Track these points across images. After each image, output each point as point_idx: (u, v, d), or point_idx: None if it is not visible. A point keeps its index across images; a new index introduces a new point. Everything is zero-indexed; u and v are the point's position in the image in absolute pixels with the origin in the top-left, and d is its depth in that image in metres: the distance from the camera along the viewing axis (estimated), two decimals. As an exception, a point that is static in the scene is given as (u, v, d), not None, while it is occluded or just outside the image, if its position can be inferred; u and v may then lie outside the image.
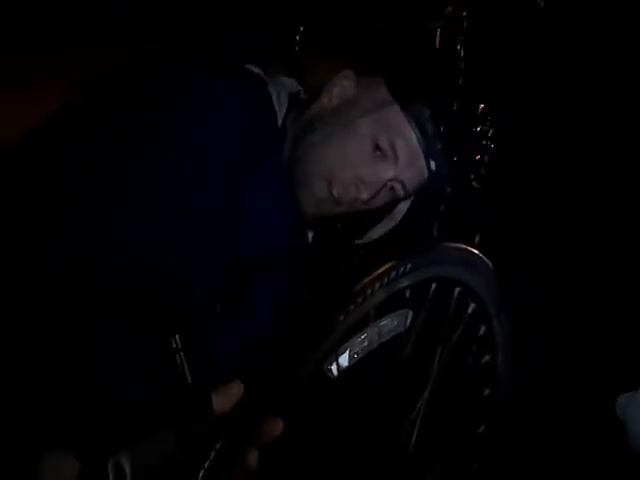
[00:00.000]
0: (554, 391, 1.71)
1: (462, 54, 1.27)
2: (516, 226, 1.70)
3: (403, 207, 1.17)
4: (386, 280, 0.82)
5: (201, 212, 0.96)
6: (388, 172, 1.08)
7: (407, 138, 1.08)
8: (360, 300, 0.79)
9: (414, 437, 1.07)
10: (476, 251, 1.00)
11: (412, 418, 1.06)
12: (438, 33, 1.46)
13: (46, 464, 0.64)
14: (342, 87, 1.14)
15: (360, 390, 0.92)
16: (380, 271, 0.81)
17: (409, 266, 0.85)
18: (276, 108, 1.13)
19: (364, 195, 1.07)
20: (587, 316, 1.73)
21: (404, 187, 1.10)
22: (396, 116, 1.09)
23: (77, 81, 1.05)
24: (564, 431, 1.71)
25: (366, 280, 0.80)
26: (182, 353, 0.72)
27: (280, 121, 1.13)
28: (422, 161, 1.08)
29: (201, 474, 0.66)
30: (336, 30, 1.70)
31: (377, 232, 1.17)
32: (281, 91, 1.16)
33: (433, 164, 1.08)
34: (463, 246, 0.97)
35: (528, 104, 1.73)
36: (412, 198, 1.16)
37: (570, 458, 1.67)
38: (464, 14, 1.40)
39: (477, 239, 1.30)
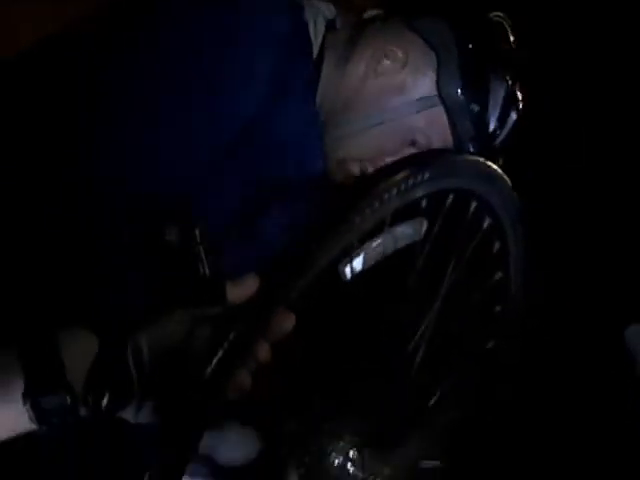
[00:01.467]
0: (562, 322, 1.72)
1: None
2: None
3: None
4: (404, 187, 0.82)
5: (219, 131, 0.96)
6: None
7: (445, 137, 1.10)
8: (377, 204, 0.79)
9: (422, 348, 1.09)
10: (496, 167, 1.00)
11: (421, 328, 1.08)
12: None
13: (66, 341, 0.67)
14: (389, 65, 1.11)
15: (371, 296, 0.93)
16: (398, 177, 0.81)
17: (427, 175, 0.85)
18: (312, 37, 1.11)
19: None
20: (597, 247, 1.72)
21: None
22: (439, 117, 1.10)
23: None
24: (572, 362, 1.73)
25: (383, 185, 0.80)
26: (202, 246, 0.74)
27: (316, 51, 1.11)
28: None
29: (213, 363, 0.67)
30: None
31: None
32: (318, 18, 1.13)
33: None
34: (483, 160, 0.97)
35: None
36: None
37: (577, 389, 1.69)
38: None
39: (500, 162, 1.30)
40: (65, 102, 0.91)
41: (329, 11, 1.17)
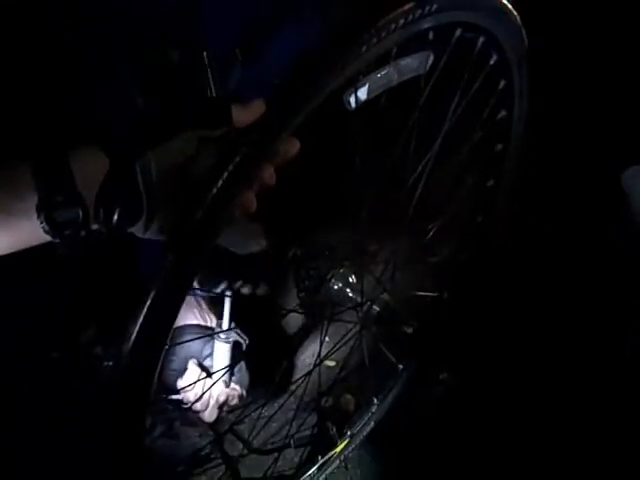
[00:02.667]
0: (560, 159, 1.72)
1: None
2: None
3: None
4: (411, 17, 0.82)
5: None
6: None
7: None
8: (384, 35, 0.79)
9: (422, 183, 1.12)
10: (507, 2, 0.99)
11: (421, 166, 1.10)
12: None
13: (77, 157, 0.68)
14: None
15: (374, 127, 0.94)
16: (406, 7, 0.81)
17: (435, 6, 0.84)
18: None
19: None
20: (599, 89, 1.70)
21: None
22: None
23: None
24: (568, 204, 1.75)
25: (391, 15, 0.79)
26: (210, 69, 0.74)
27: None
28: None
29: (219, 183, 0.70)
30: None
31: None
32: None
33: None
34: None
35: None
36: None
37: (575, 230, 1.71)
38: None
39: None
40: None
41: None
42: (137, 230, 0.75)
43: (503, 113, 1.13)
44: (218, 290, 1.26)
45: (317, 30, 1.09)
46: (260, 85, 1.01)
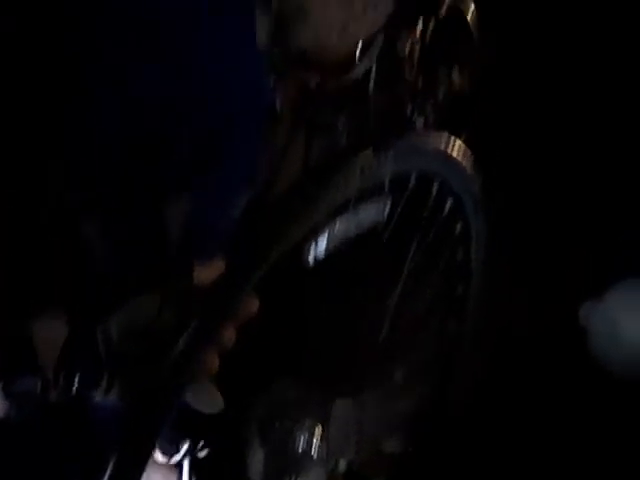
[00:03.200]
0: (517, 299, 1.73)
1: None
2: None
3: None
4: (367, 167, 0.82)
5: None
6: None
7: None
8: (341, 184, 0.78)
9: (384, 331, 1.09)
10: (459, 143, 1.00)
11: (383, 312, 1.07)
12: None
13: (37, 327, 0.66)
14: None
15: (334, 279, 0.93)
16: (361, 156, 0.81)
17: (391, 154, 0.84)
18: None
19: None
20: (554, 226, 1.74)
21: None
22: None
23: None
24: (529, 340, 1.74)
25: (347, 165, 0.79)
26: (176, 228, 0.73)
27: None
28: None
29: (178, 349, 0.68)
30: None
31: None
32: None
33: None
34: (447, 136, 0.96)
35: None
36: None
37: (534, 367, 1.70)
38: None
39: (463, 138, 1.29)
40: None
41: None
42: (98, 395, 0.72)
43: (461, 255, 1.12)
44: (179, 455, 1.21)
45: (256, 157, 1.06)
46: (212, 207, 0.97)
